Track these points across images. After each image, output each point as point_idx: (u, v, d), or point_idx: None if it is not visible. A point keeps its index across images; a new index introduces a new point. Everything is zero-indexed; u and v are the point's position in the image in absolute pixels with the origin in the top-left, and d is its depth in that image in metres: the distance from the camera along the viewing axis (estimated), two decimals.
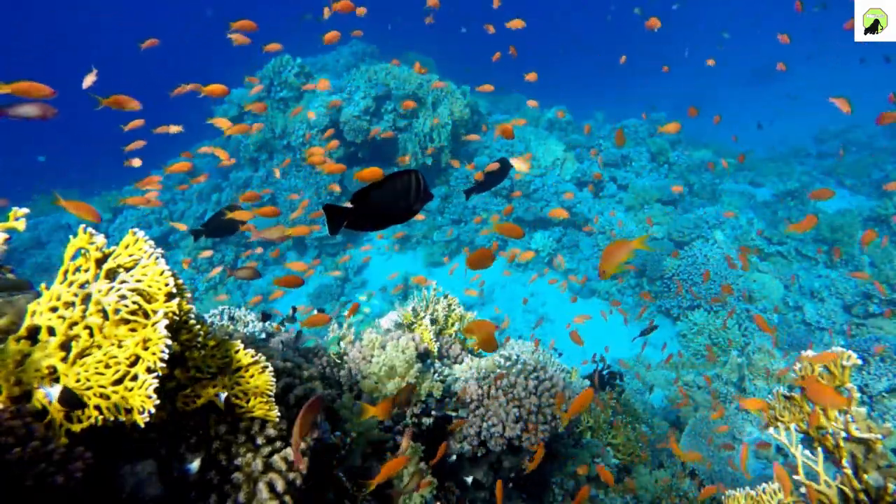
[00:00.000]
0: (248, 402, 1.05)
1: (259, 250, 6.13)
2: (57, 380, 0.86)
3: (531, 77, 4.03)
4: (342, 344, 1.91)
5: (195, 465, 0.98)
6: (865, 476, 1.13)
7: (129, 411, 0.84)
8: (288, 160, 6.28)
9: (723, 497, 1.36)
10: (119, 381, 0.85)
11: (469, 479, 1.84)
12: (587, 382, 2.91)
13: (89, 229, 0.92)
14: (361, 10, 3.76)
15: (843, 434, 1.19)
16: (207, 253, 5.43)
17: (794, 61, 14.77)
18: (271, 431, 1.09)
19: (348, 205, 1.09)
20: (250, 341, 1.67)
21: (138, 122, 3.24)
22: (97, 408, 0.85)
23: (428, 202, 1.17)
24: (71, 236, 0.91)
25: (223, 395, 1.00)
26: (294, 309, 2.82)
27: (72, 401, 0.83)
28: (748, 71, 15.48)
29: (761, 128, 6.59)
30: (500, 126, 2.83)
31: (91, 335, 0.88)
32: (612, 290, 5.76)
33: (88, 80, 2.81)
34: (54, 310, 0.89)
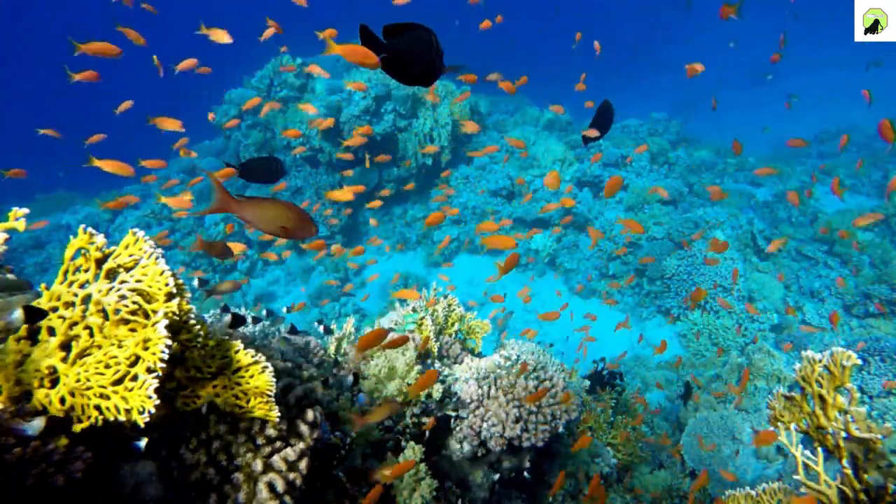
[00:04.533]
0: (248, 402, 1.05)
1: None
2: (57, 380, 0.86)
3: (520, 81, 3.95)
4: (343, 344, 1.91)
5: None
6: (865, 476, 1.13)
7: (129, 411, 0.84)
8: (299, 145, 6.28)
9: (723, 497, 1.36)
10: (119, 382, 0.85)
11: (469, 479, 1.84)
12: (587, 382, 2.91)
13: (89, 229, 0.92)
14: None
15: (843, 434, 1.19)
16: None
17: (794, 63, 14.77)
18: (271, 431, 1.09)
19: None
20: (250, 341, 1.67)
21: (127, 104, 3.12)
22: (97, 408, 0.85)
23: (443, 73, 1.12)
24: (71, 236, 0.91)
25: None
26: (290, 308, 2.83)
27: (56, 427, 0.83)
28: (748, 72, 15.52)
29: (733, 45, 6.53)
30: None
31: (91, 335, 0.88)
32: (611, 291, 5.76)
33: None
34: (54, 310, 0.89)
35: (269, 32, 3.61)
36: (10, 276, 1.04)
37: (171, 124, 2.77)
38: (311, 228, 1.10)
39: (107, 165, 2.24)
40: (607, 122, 2.06)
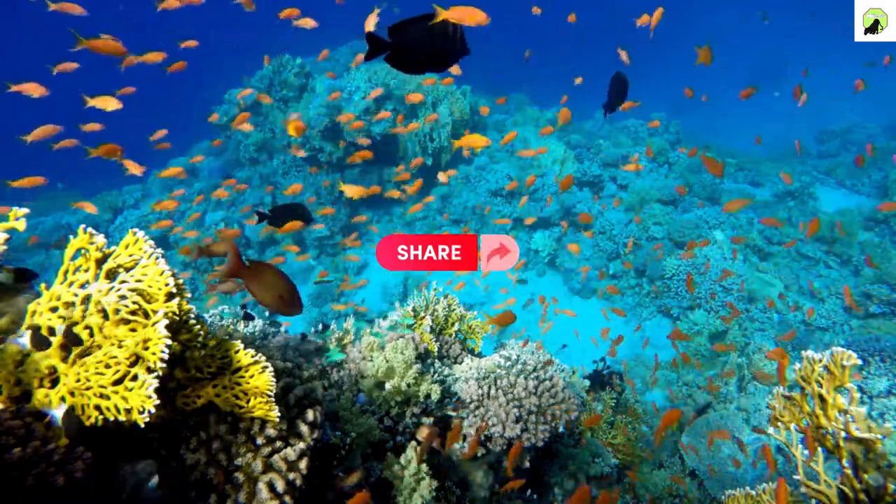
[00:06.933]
0: (248, 402, 1.05)
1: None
2: (57, 380, 0.86)
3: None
4: (342, 344, 1.91)
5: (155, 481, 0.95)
6: (865, 476, 1.13)
7: (129, 411, 0.84)
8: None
9: (723, 497, 1.37)
10: (119, 382, 0.85)
11: (469, 479, 1.84)
12: (587, 382, 2.91)
13: (89, 229, 0.92)
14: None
15: (843, 434, 1.19)
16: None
17: (795, 63, 14.76)
18: (271, 431, 1.09)
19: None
20: (250, 341, 1.67)
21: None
22: (97, 408, 0.85)
23: (465, 55, 1.11)
24: (71, 236, 0.91)
25: None
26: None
27: (74, 425, 0.84)
28: (747, 73, 15.53)
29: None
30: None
31: (91, 335, 0.88)
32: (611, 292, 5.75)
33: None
34: (54, 310, 0.89)
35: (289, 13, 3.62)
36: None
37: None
38: (298, 308, 1.22)
39: (101, 152, 2.33)
40: (623, 90, 2.19)
